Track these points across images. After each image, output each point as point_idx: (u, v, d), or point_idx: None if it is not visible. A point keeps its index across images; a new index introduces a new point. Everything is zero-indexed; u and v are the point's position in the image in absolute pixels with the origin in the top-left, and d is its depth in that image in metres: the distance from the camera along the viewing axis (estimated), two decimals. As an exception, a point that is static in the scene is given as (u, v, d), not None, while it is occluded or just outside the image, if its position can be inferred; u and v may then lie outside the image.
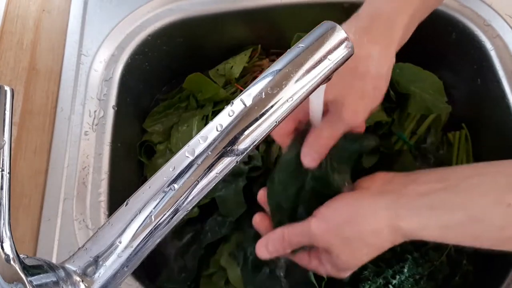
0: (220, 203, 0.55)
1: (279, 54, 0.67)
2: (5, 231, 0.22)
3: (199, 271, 0.55)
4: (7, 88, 0.24)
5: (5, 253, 0.22)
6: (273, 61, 0.65)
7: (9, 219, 0.22)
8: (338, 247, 0.39)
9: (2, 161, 0.23)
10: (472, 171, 0.38)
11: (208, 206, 0.56)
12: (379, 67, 0.39)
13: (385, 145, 0.57)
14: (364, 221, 0.38)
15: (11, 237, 0.22)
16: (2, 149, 0.23)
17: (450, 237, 0.36)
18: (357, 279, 0.51)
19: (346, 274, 0.42)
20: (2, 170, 0.23)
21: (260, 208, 0.46)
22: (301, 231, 0.41)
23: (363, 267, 0.52)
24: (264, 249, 0.42)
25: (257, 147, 0.57)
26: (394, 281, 0.49)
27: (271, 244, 0.42)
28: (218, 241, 0.56)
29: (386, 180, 0.41)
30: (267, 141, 0.57)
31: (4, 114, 0.23)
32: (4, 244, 0.22)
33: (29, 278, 0.22)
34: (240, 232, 0.55)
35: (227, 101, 0.61)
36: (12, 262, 0.22)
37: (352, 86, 0.38)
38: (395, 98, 0.57)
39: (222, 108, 0.61)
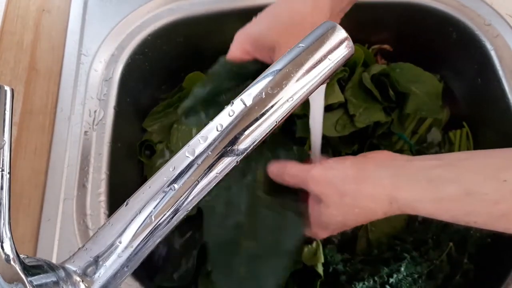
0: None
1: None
2: (5, 231, 0.22)
3: (198, 270, 0.55)
4: (7, 88, 0.24)
5: (5, 253, 0.22)
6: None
7: (9, 219, 0.22)
8: (331, 197, 0.39)
9: (2, 161, 0.23)
10: (467, 153, 0.40)
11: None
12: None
13: (385, 145, 0.57)
14: (366, 183, 0.38)
15: (11, 237, 0.22)
16: (2, 149, 0.23)
17: (443, 211, 0.36)
18: (353, 279, 0.51)
19: (324, 235, 0.43)
20: (2, 170, 0.23)
21: None
22: (300, 169, 0.42)
23: (360, 268, 0.52)
24: (272, 168, 0.45)
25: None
26: (391, 280, 0.49)
27: (276, 167, 0.45)
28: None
29: (391, 156, 0.42)
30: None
31: (4, 114, 0.23)
32: (4, 244, 0.22)
33: (29, 278, 0.22)
34: None
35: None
36: (12, 262, 0.21)
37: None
38: (395, 98, 0.57)
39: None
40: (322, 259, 0.50)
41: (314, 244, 0.51)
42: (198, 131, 0.25)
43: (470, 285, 0.54)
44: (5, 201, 0.23)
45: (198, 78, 0.59)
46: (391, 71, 0.58)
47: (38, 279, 0.22)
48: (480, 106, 0.60)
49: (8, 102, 0.24)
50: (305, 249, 0.50)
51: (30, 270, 0.22)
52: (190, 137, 0.58)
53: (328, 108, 0.54)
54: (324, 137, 0.52)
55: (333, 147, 0.57)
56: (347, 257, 0.54)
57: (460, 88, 0.63)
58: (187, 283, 0.54)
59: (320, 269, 0.49)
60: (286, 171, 0.43)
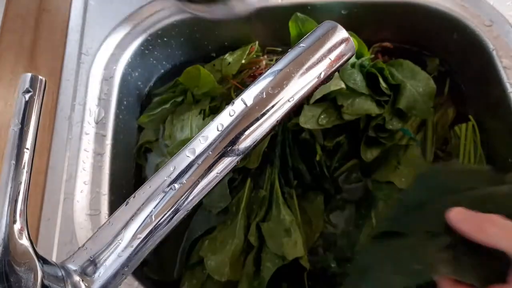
0: (206, 196, 0.54)
1: (275, 52, 0.67)
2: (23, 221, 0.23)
3: (186, 263, 0.55)
4: (42, 78, 0.25)
5: (18, 230, 0.23)
6: (270, 59, 0.65)
7: (26, 200, 0.23)
8: None
9: (27, 142, 0.24)
10: None
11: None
12: None
13: (384, 138, 0.56)
14: None
15: (25, 219, 0.23)
16: (28, 131, 0.24)
17: None
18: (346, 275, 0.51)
19: None
20: (27, 149, 0.24)
21: None
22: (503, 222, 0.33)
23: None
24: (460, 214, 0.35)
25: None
26: None
27: (470, 214, 0.34)
28: (203, 235, 0.55)
29: None
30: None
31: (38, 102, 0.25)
32: (16, 224, 0.23)
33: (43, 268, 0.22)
34: (222, 225, 0.54)
35: (223, 96, 0.61)
36: (30, 249, 0.23)
37: None
38: (389, 91, 0.55)
39: (219, 104, 0.61)
40: (302, 252, 0.48)
41: (292, 236, 0.49)
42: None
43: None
44: (25, 178, 0.23)
45: (196, 72, 0.59)
46: (387, 65, 0.57)
47: (47, 268, 0.23)
48: (481, 107, 0.60)
49: (42, 91, 0.25)
50: (283, 241, 0.49)
51: (40, 258, 0.23)
52: (185, 131, 0.57)
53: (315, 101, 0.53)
54: (305, 130, 0.51)
55: (316, 139, 0.56)
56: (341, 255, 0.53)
57: (461, 88, 0.63)
58: (175, 277, 0.54)
59: (304, 261, 0.48)
60: (493, 220, 0.33)
